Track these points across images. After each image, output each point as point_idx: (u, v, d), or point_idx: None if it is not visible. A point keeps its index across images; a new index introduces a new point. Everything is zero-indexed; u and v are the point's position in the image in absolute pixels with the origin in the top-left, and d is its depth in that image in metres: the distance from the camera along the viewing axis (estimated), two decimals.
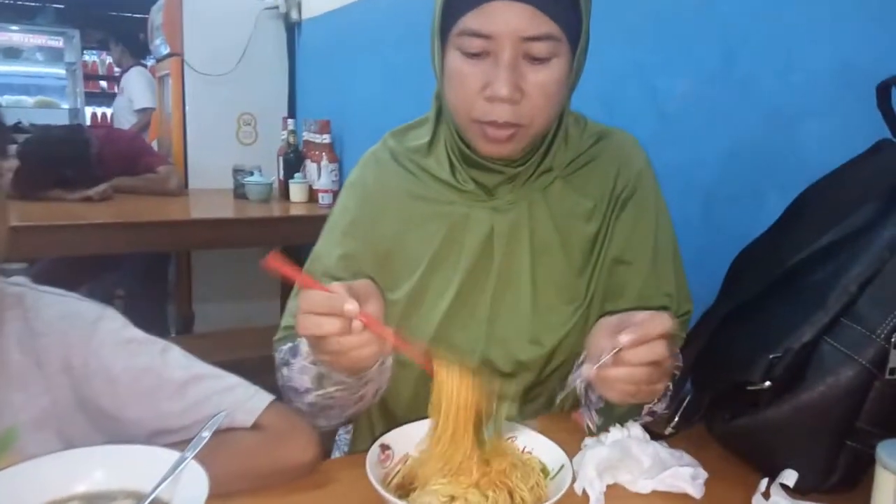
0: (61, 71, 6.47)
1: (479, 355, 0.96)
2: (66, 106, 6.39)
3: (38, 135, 2.88)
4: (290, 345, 0.93)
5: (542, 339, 0.96)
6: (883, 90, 0.84)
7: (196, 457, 0.67)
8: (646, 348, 0.70)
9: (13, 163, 2.74)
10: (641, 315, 0.73)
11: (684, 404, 0.83)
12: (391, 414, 1.01)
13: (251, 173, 3.08)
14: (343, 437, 1.20)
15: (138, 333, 0.82)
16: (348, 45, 3.04)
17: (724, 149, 1.31)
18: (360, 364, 0.75)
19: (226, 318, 3.47)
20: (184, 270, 3.50)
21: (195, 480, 0.64)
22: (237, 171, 3.12)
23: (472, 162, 0.94)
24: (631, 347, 0.70)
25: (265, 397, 0.81)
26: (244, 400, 0.80)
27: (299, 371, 0.88)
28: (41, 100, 6.32)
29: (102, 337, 0.80)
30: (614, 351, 0.71)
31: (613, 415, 0.84)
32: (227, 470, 0.75)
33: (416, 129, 1.04)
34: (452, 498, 0.68)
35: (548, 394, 0.99)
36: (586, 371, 0.72)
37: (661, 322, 0.71)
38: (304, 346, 0.87)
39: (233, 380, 0.82)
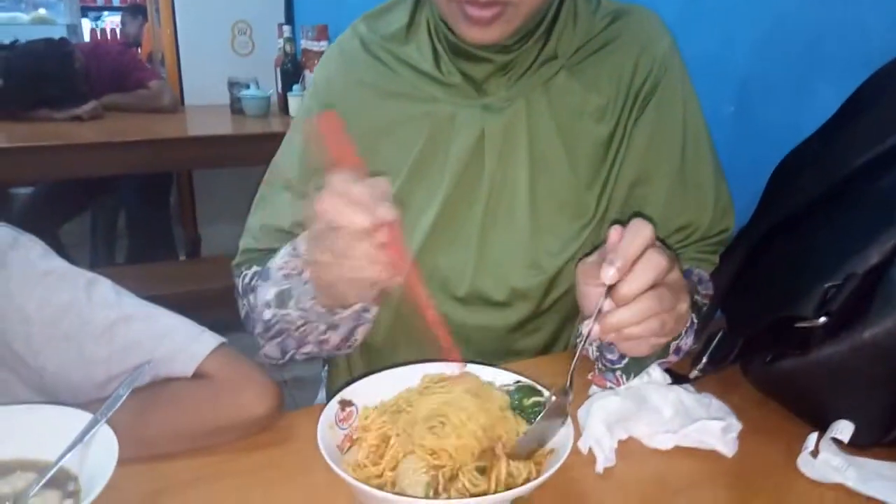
0: None
1: (468, 283, 0.82)
2: (63, 22, 6.13)
3: (19, 50, 2.72)
4: (256, 269, 0.80)
5: (542, 263, 0.81)
6: None
7: (117, 417, 0.56)
8: (639, 269, 0.56)
9: None
10: (612, 235, 0.58)
11: (714, 342, 0.69)
12: (367, 346, 0.88)
13: (247, 86, 2.90)
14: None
15: (59, 264, 0.69)
16: None
17: (764, 31, 1.11)
18: (350, 287, 0.62)
19: (233, 239, 3.32)
20: (186, 192, 3.38)
21: (106, 447, 0.53)
22: (233, 85, 2.94)
23: (460, 50, 0.78)
24: (621, 278, 0.56)
25: (210, 341, 0.68)
26: (185, 344, 0.67)
27: (264, 292, 0.76)
28: (37, 16, 6.06)
29: (14, 268, 0.67)
30: (605, 292, 0.57)
31: (642, 367, 0.70)
32: (164, 427, 0.64)
33: (391, 12, 0.86)
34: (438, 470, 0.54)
35: (549, 327, 0.86)
36: (587, 331, 0.58)
37: (638, 231, 0.56)
38: (274, 271, 0.75)
39: (173, 320, 0.69)
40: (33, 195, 3.02)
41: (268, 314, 0.75)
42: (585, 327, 0.58)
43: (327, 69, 0.87)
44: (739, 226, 0.85)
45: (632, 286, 0.56)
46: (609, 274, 0.55)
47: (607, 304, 0.57)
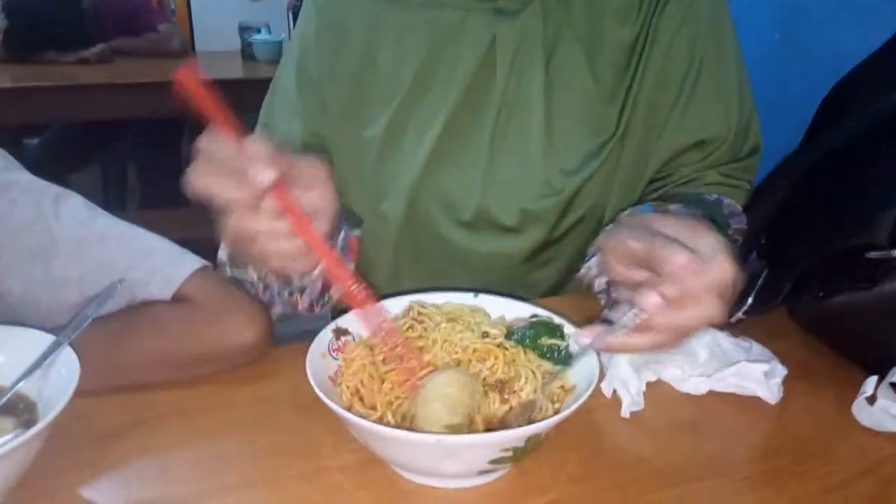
0: None
1: (476, 205, 0.75)
2: None
3: None
4: None
5: (556, 183, 0.74)
6: None
7: (89, 340, 0.50)
8: (689, 313, 0.45)
9: (2, 22, 2.57)
10: (681, 258, 0.44)
11: (760, 280, 0.61)
12: (367, 276, 0.81)
13: (259, 31, 2.81)
14: None
15: (24, 176, 0.62)
16: None
17: None
18: (266, 264, 0.50)
19: None
20: (196, 138, 3.31)
21: (68, 372, 0.47)
22: (244, 29, 2.86)
23: None
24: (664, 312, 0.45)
25: (191, 262, 0.61)
26: (163, 265, 0.61)
27: (220, 251, 0.67)
28: None
29: None
30: (635, 318, 0.46)
31: None
32: (141, 352, 0.58)
33: None
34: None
35: (564, 257, 0.78)
36: (585, 340, 0.47)
37: (715, 273, 0.45)
38: None
39: (152, 240, 0.63)
40: (42, 143, 2.98)
41: (226, 273, 0.67)
42: (583, 338, 0.48)
43: None
44: (782, 156, 0.77)
45: (666, 322, 0.46)
46: (651, 303, 0.44)
47: (629, 319, 0.46)
